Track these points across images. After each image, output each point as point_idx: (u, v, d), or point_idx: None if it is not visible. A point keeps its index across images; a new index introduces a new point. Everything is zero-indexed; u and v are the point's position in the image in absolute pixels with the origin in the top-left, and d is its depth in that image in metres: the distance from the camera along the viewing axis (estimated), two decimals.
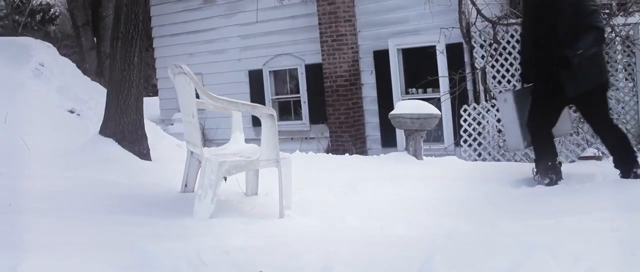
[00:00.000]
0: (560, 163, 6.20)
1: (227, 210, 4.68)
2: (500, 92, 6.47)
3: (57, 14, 31.40)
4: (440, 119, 12.43)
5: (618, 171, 5.97)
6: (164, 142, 9.81)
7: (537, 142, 6.15)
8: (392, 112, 7.67)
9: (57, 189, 5.24)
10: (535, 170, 6.11)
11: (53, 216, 4.26)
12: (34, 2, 29.17)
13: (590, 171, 6.93)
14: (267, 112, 4.37)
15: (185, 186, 5.34)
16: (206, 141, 15.34)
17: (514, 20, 11.89)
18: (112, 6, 21.33)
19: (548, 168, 6.01)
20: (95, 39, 21.76)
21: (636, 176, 5.82)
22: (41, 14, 29.93)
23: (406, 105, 7.62)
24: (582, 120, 11.90)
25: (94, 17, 21.66)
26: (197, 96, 4.76)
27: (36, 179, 5.56)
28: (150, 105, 15.28)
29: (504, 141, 11.79)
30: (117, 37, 6.91)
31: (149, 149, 7.10)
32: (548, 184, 5.91)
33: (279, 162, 4.45)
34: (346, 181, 5.78)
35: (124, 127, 6.90)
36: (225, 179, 4.57)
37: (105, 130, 6.99)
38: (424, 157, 7.67)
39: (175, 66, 4.72)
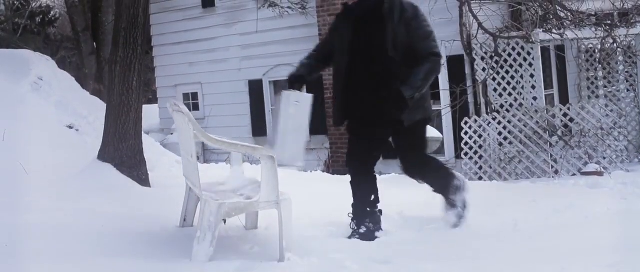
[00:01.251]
0: (381, 211, 5.34)
1: (227, 250, 4.62)
2: (288, 91, 5.17)
3: (57, 16, 31.34)
4: (441, 131, 12.43)
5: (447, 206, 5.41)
6: (164, 159, 9.77)
7: (358, 185, 5.28)
8: None
9: (54, 224, 5.18)
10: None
11: (47, 260, 4.20)
12: (34, 4, 29.13)
13: (594, 197, 6.88)
14: (266, 153, 4.32)
15: (185, 220, 5.29)
16: (206, 151, 15.30)
17: (515, 34, 11.84)
18: (112, 12, 21.26)
19: (367, 214, 5.23)
20: (95, 44, 21.67)
21: (453, 206, 5.38)
22: (41, 16, 29.88)
23: None
24: (583, 134, 11.88)
25: (93, 22, 21.56)
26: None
27: (34, 213, 5.48)
28: (150, 113, 15.24)
29: (505, 154, 11.78)
30: (116, 62, 6.85)
31: (147, 174, 7.04)
32: (363, 235, 5.13)
33: (279, 204, 4.40)
34: (346, 213, 5.70)
35: (123, 153, 6.84)
36: (225, 222, 4.52)
37: (103, 156, 6.93)
38: None
39: (174, 104, 4.66)
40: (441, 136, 7.67)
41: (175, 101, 4.65)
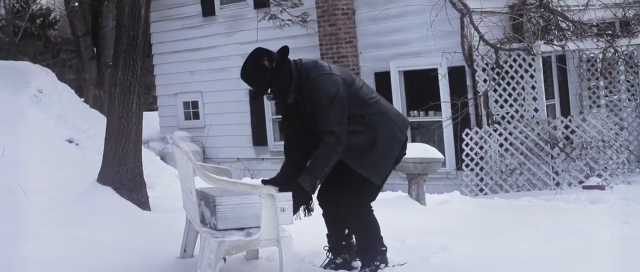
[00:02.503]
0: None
1: None
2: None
3: (57, 18, 31.30)
4: (442, 143, 12.41)
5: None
6: (164, 174, 9.72)
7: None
8: None
9: (54, 255, 5.16)
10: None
11: None
12: (34, 7, 29.09)
13: (596, 220, 6.83)
14: (266, 192, 4.28)
15: (185, 251, 5.27)
16: (206, 159, 15.26)
17: (516, 46, 11.81)
18: (112, 16, 21.21)
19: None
20: (95, 49, 21.63)
21: (376, 269, 4.95)
22: (41, 18, 29.83)
23: (409, 149, 7.45)
24: (585, 146, 11.84)
25: (93, 26, 21.52)
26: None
27: (34, 242, 5.46)
28: (151, 121, 15.20)
29: (507, 166, 11.75)
30: (115, 84, 6.82)
31: (147, 197, 7.00)
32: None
33: (279, 242, 4.36)
34: None
35: (123, 176, 6.81)
36: (225, 260, 4.49)
37: (103, 178, 6.89)
38: (426, 202, 7.57)
39: (172, 139, 4.63)
40: (442, 156, 7.63)
41: (173, 137, 4.62)
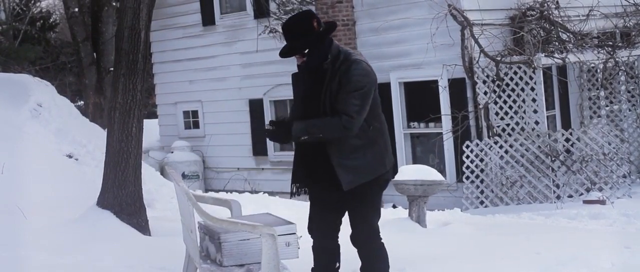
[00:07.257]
0: None
1: None
2: None
3: (57, 21, 31.26)
4: (443, 155, 12.39)
5: None
6: (163, 190, 9.71)
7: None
8: (394, 179, 7.53)
9: None
10: None
11: None
12: (34, 10, 29.07)
13: (597, 245, 6.80)
14: (267, 232, 4.25)
15: None
16: (206, 169, 15.25)
17: (517, 58, 11.78)
18: (112, 22, 21.17)
19: None
20: (95, 54, 21.59)
21: None
22: (41, 21, 29.79)
23: (409, 171, 7.47)
24: (586, 159, 11.81)
25: (93, 32, 21.48)
26: None
27: (32, 270, 5.46)
28: (151, 129, 15.17)
29: (507, 178, 11.71)
30: (115, 108, 6.80)
31: (147, 221, 6.98)
32: None
33: None
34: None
35: (122, 200, 6.79)
36: None
37: (103, 202, 6.88)
38: (427, 224, 7.54)
39: (172, 172, 4.60)
40: (443, 179, 7.59)
41: (174, 171, 4.59)
